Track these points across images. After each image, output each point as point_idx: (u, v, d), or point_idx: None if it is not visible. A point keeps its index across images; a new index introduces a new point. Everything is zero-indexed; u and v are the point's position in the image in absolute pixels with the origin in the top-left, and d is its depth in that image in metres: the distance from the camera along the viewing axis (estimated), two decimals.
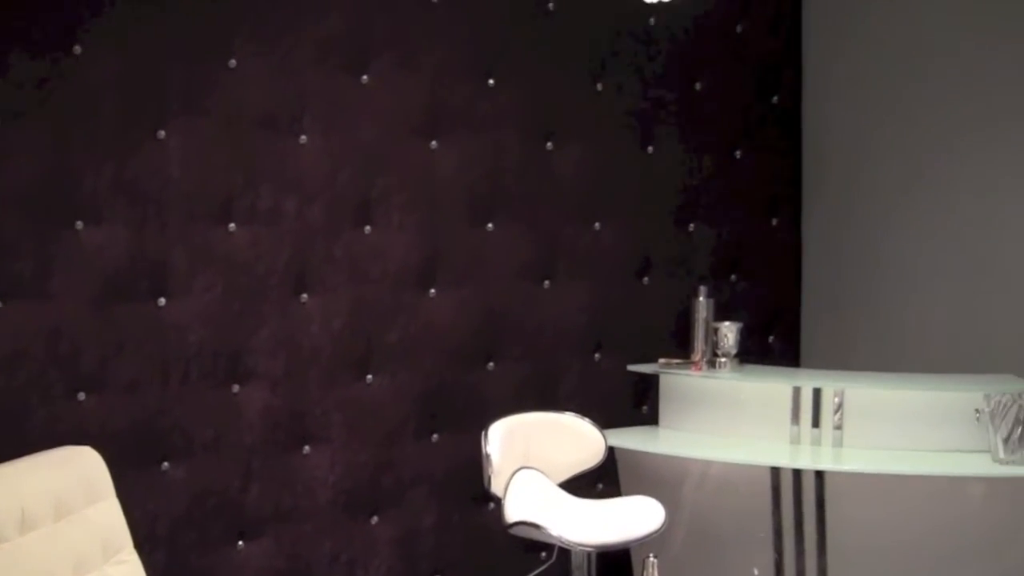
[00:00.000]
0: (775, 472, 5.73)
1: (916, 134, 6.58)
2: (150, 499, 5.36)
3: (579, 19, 6.36)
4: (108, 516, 4.08)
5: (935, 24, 6.49)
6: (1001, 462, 5.32)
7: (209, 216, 5.52)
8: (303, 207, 5.74)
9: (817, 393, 5.78)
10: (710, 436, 6.04)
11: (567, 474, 5.55)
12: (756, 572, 5.87)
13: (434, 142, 6.06)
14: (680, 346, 6.35)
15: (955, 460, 5.45)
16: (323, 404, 5.82)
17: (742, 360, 6.20)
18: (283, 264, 5.70)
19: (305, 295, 5.76)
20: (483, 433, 5.33)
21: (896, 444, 5.63)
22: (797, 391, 5.83)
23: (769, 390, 5.95)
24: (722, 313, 6.30)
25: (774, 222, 7.01)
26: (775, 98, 6.99)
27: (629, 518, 5.24)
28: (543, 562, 6.03)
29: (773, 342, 7.00)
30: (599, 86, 6.49)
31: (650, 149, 6.64)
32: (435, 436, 6.13)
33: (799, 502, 5.72)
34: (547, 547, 5.77)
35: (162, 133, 5.39)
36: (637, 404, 6.59)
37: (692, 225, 6.76)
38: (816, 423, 5.79)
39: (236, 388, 5.61)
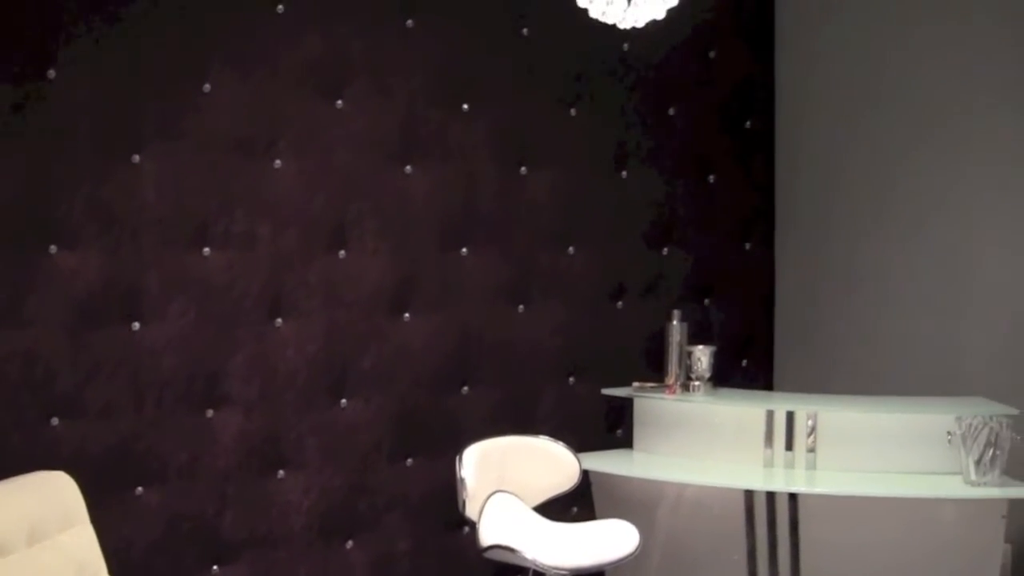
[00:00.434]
0: (749, 495, 5.75)
1: (888, 159, 6.62)
2: (124, 524, 5.34)
3: (553, 45, 6.39)
4: (82, 542, 4.07)
5: (906, 49, 6.54)
6: (973, 484, 5.34)
7: (184, 240, 5.52)
8: (278, 231, 5.75)
9: (790, 416, 5.80)
10: (684, 459, 6.05)
11: (542, 498, 5.56)
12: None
13: (408, 167, 6.08)
14: (654, 370, 6.36)
15: (927, 482, 5.47)
16: (298, 428, 5.81)
17: (716, 383, 6.22)
18: (258, 288, 5.70)
19: (280, 319, 5.76)
20: (458, 457, 5.33)
21: (869, 466, 5.66)
22: (770, 414, 5.85)
23: (742, 413, 5.97)
24: (696, 337, 6.33)
25: (747, 246, 7.04)
26: (748, 123, 7.03)
27: (604, 541, 5.25)
28: None
29: (746, 365, 7.03)
30: (573, 111, 6.52)
31: (624, 174, 6.66)
32: (410, 460, 6.13)
33: (773, 525, 5.73)
34: (522, 570, 5.76)
35: (137, 157, 5.39)
36: (611, 428, 6.60)
37: (666, 249, 6.79)
38: (789, 446, 5.81)
39: (210, 413, 5.60)
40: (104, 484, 5.15)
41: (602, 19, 4.20)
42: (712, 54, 6.90)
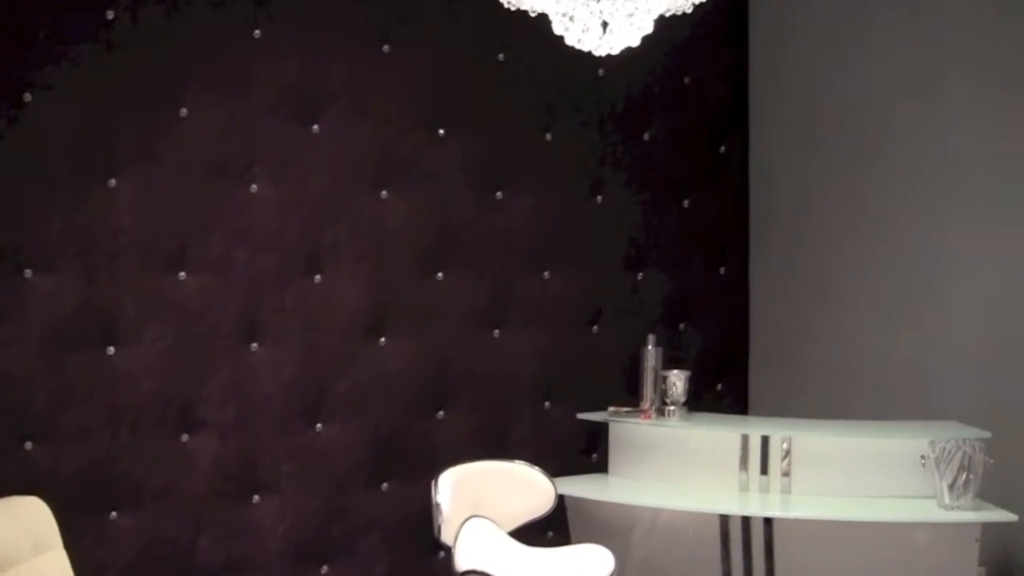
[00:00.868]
0: (724, 519, 5.75)
1: (862, 184, 6.65)
2: (99, 549, 5.33)
3: (529, 70, 6.41)
4: (56, 567, 4.06)
5: (881, 73, 6.57)
6: (947, 508, 5.36)
7: (160, 265, 5.52)
8: (254, 256, 5.75)
9: (765, 440, 5.82)
10: (659, 484, 6.05)
11: (517, 522, 5.54)
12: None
13: (385, 191, 6.09)
14: (630, 394, 6.37)
15: (902, 506, 5.49)
16: (273, 453, 5.81)
17: (691, 408, 6.23)
18: (234, 313, 5.70)
19: (256, 344, 5.76)
20: (433, 482, 5.32)
21: (843, 490, 5.67)
22: (745, 438, 5.86)
23: (718, 438, 5.98)
24: (671, 361, 6.35)
25: (722, 271, 7.06)
26: (723, 148, 7.06)
27: (579, 566, 5.24)
28: None
29: (721, 390, 7.04)
30: (549, 136, 6.54)
31: (599, 198, 6.68)
32: (385, 485, 6.12)
33: (748, 549, 5.74)
34: None
35: (113, 182, 5.39)
36: (587, 452, 6.60)
37: (641, 274, 6.81)
38: (764, 470, 5.82)
39: (186, 437, 5.59)
40: (78, 508, 5.14)
41: (578, 46, 4.22)
42: (687, 79, 6.93)
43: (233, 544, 5.70)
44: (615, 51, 4.24)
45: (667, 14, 4.33)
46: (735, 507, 5.69)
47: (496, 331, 6.41)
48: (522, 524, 5.55)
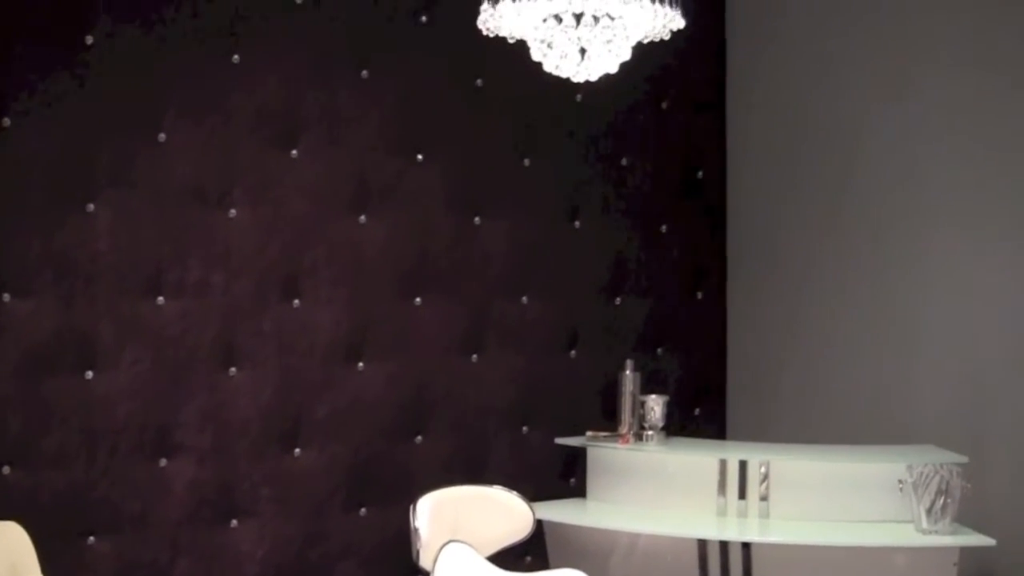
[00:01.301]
0: (702, 544, 5.76)
1: (838, 211, 6.68)
2: (76, 574, 5.30)
3: (507, 95, 6.43)
4: None
5: (856, 97, 6.61)
6: (924, 532, 5.38)
7: (137, 289, 5.51)
8: (232, 280, 5.75)
9: (743, 465, 5.83)
10: (637, 508, 6.06)
11: (496, 547, 5.53)
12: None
13: (363, 216, 6.09)
14: (608, 419, 6.38)
15: (879, 530, 5.51)
16: (251, 478, 5.79)
17: (669, 433, 6.25)
18: (211, 337, 5.70)
19: (233, 368, 5.75)
20: (411, 507, 5.31)
21: (821, 515, 5.69)
22: (723, 463, 5.88)
23: (695, 462, 5.99)
24: (649, 386, 6.36)
25: (699, 296, 7.08)
26: (700, 173, 7.09)
27: None
28: None
29: (699, 414, 7.06)
30: (527, 162, 6.56)
31: (577, 224, 6.70)
32: (363, 510, 6.11)
33: (726, 574, 5.74)
34: None
35: (91, 206, 5.39)
36: (565, 477, 6.60)
37: (619, 299, 6.82)
38: (742, 495, 5.83)
39: (164, 462, 5.57)
40: (56, 533, 5.12)
41: (556, 72, 4.24)
42: (664, 105, 6.96)
43: (211, 569, 5.68)
44: (593, 77, 4.26)
45: (645, 41, 4.37)
46: (713, 532, 5.70)
47: (474, 356, 6.41)
48: (500, 549, 5.54)
